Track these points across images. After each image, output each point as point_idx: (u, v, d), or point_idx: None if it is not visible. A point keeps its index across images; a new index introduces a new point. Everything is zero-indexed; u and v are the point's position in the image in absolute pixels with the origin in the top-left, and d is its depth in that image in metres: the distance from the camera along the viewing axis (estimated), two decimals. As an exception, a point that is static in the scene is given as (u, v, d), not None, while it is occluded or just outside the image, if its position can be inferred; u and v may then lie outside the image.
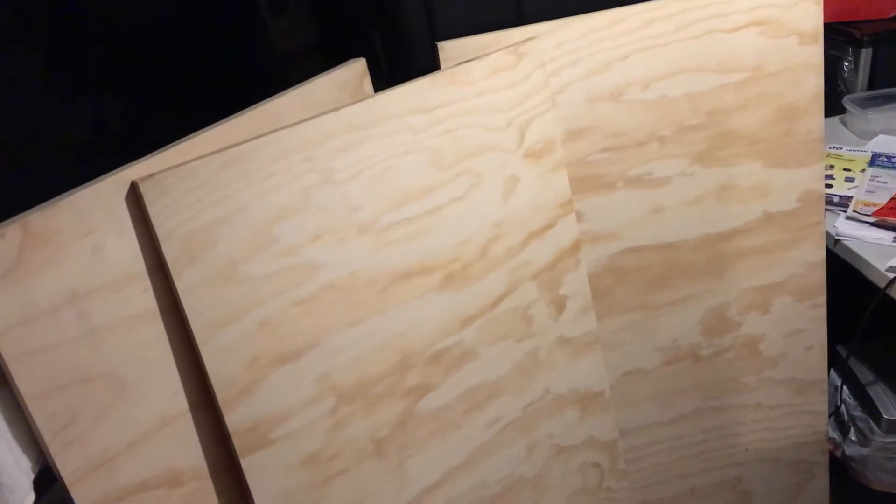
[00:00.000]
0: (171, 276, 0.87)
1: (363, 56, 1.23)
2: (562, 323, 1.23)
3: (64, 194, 0.81)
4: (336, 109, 0.97)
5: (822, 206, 1.34)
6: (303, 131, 0.94)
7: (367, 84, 1.11)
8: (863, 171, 1.63)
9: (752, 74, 1.24)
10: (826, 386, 1.46)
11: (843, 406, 1.55)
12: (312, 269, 0.97)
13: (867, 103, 1.81)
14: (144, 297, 0.87)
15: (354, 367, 1.02)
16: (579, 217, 1.24)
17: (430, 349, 1.09)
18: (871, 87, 1.88)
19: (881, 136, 1.75)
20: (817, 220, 1.35)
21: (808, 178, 1.32)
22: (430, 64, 1.15)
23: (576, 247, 1.22)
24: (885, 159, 1.64)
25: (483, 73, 1.08)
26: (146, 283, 0.87)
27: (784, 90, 1.26)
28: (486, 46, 1.14)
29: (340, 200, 0.98)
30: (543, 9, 1.19)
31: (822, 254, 1.37)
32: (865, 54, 1.86)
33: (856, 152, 1.69)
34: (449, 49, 1.13)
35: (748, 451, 1.47)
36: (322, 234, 0.97)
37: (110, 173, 0.85)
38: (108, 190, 0.84)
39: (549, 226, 1.19)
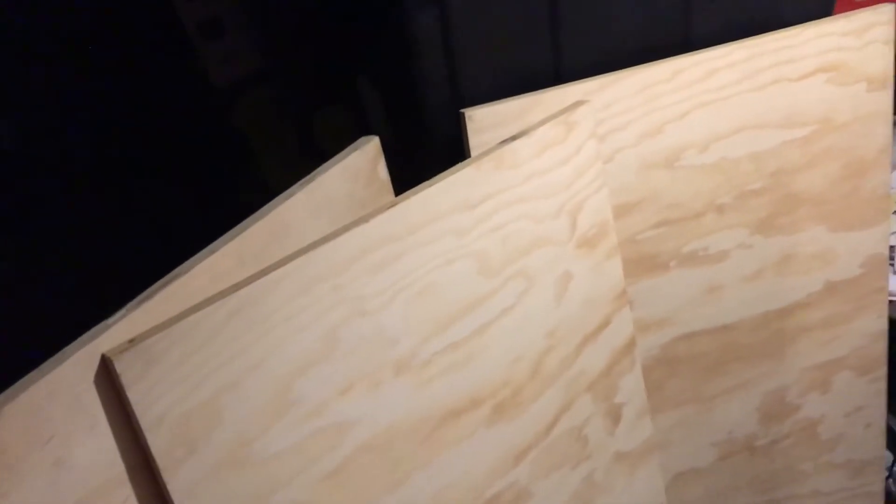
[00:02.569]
0: (160, 477, 0.62)
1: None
2: (618, 436, 1.02)
3: (8, 392, 0.55)
4: (366, 220, 0.73)
5: (886, 270, 1.18)
6: (328, 253, 0.71)
7: (382, 168, 0.88)
8: (896, 213, 1.48)
9: (819, 127, 1.07)
10: (884, 464, 1.30)
11: (890, 479, 1.41)
12: (342, 429, 0.74)
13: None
14: (126, 509, 0.62)
15: (396, 541, 0.79)
16: (630, 306, 1.04)
17: (481, 499, 0.87)
18: None
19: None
20: (881, 286, 1.18)
21: (873, 241, 1.15)
22: (450, 132, 0.92)
23: (631, 344, 1.02)
24: (918, 199, 1.50)
25: (531, 152, 0.86)
26: (126, 490, 0.62)
27: (852, 143, 1.09)
28: (524, 112, 0.92)
29: (374, 335, 0.75)
30: (585, 61, 0.97)
31: (885, 322, 1.21)
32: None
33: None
34: (478, 119, 0.90)
35: (803, 542, 1.30)
36: (353, 383, 0.74)
37: (71, 346, 0.59)
38: (71, 374, 0.58)
39: (604, 324, 0.98)
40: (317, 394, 0.71)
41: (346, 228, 0.72)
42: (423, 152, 0.96)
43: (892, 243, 1.39)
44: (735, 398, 1.16)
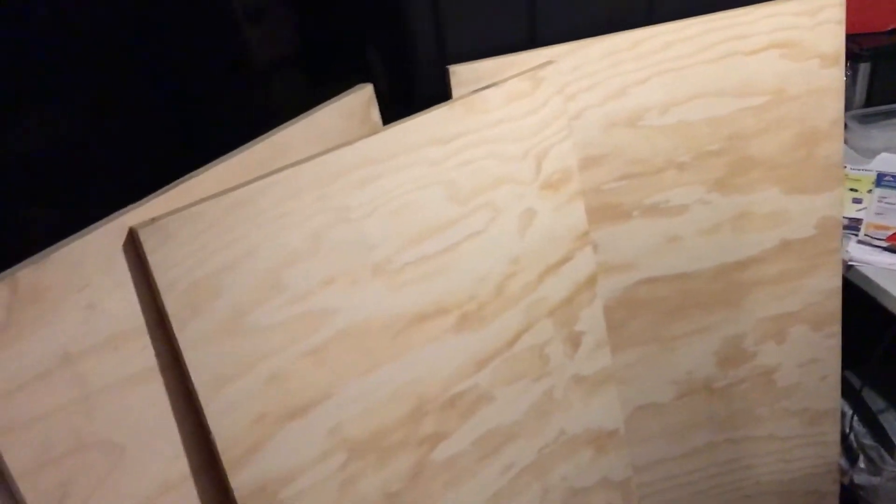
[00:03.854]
0: (172, 331, 0.79)
1: (357, 74, 1.16)
2: (577, 360, 1.16)
3: (55, 245, 0.73)
4: (351, 143, 0.89)
5: (840, 232, 1.30)
6: (316, 167, 0.87)
7: (375, 112, 1.03)
8: (869, 191, 1.59)
9: (773, 98, 1.19)
10: (839, 416, 1.42)
11: (851, 434, 1.52)
12: (324, 315, 0.90)
13: (867, 119, 1.77)
14: (143, 355, 0.79)
15: (367, 419, 0.95)
16: (593, 248, 1.18)
17: (446, 394, 1.02)
18: (869, 102, 1.84)
19: (884, 155, 1.71)
20: (834, 247, 1.30)
21: (826, 204, 1.27)
22: (439, 89, 1.08)
23: (592, 281, 1.16)
24: (892, 178, 1.61)
25: (500, 101, 1.02)
26: (145, 339, 0.79)
27: (805, 114, 1.21)
28: (500, 71, 1.07)
29: (355, 240, 0.91)
30: (558, 30, 1.12)
31: (839, 281, 1.33)
32: (864, 69, 1.83)
33: (860, 171, 1.66)
34: (460, 74, 1.06)
35: (760, 483, 1.42)
36: (335, 278, 0.90)
37: (105, 220, 0.76)
38: (104, 239, 0.75)
39: (566, 259, 1.12)
40: (302, 283, 0.87)
41: (333, 148, 0.88)
42: (417, 104, 1.11)
43: (861, 216, 1.50)
44: (694, 341, 1.29)
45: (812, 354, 1.36)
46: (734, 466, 1.39)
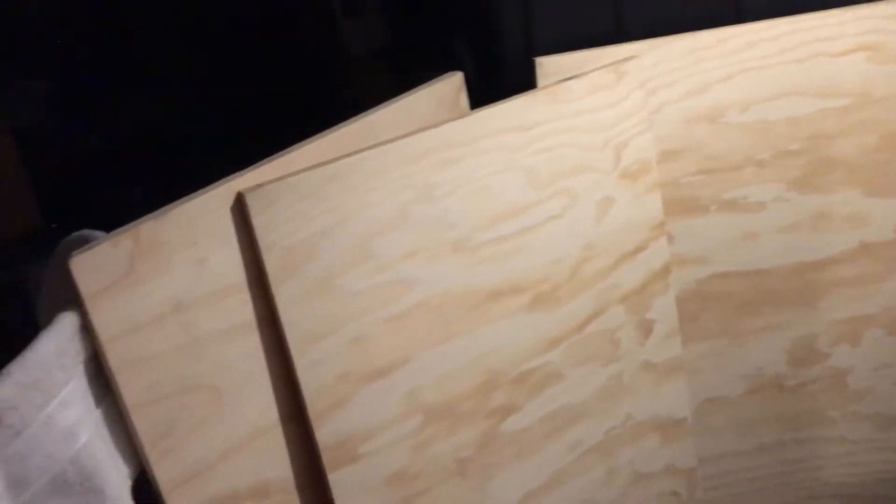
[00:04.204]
0: (270, 289, 0.87)
1: (447, 63, 1.22)
2: (648, 348, 1.20)
3: (172, 204, 0.81)
4: (436, 126, 0.96)
5: (921, 237, 1.29)
6: (403, 146, 0.94)
7: (464, 98, 1.09)
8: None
9: (857, 100, 1.20)
10: (914, 423, 1.41)
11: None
12: (406, 285, 0.96)
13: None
14: (243, 309, 0.87)
15: (441, 386, 1.01)
16: (668, 239, 1.21)
17: (517, 370, 1.07)
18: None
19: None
20: (915, 252, 1.30)
21: (908, 209, 1.27)
22: (525, 79, 1.13)
23: (666, 271, 1.20)
24: (983, 189, 1.58)
25: (583, 92, 1.06)
26: (246, 294, 0.87)
27: (889, 117, 1.22)
28: (585, 63, 1.12)
29: (437, 217, 0.97)
30: (644, 26, 1.16)
31: (919, 287, 1.32)
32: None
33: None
34: (546, 65, 1.11)
35: (827, 485, 1.42)
36: (417, 251, 0.96)
37: (217, 184, 0.85)
38: (215, 201, 0.83)
39: (641, 248, 1.16)
40: (388, 253, 0.94)
41: (419, 130, 0.95)
42: (505, 93, 1.17)
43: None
44: (766, 338, 1.31)
45: (887, 359, 1.35)
46: (801, 466, 1.40)
